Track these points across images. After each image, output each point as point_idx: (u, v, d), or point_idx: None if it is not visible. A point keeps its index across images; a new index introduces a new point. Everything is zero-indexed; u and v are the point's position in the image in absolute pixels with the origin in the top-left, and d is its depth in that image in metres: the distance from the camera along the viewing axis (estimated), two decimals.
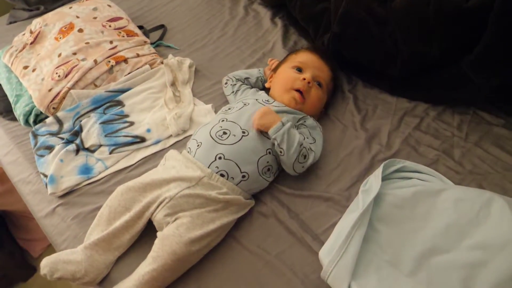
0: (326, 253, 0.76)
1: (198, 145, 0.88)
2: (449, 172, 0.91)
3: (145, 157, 1.01)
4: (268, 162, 0.87)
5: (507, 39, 0.82)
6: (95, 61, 1.11)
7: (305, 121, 0.95)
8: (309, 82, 0.96)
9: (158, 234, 0.79)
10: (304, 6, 1.18)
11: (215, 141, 0.87)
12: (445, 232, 0.77)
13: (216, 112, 1.08)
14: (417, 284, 0.74)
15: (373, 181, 0.85)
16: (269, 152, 0.88)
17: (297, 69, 1.01)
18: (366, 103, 1.08)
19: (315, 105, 0.99)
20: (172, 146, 1.03)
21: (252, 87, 1.09)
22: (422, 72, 0.99)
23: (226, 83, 1.10)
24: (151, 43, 1.28)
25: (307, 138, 0.92)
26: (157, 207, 0.80)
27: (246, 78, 1.10)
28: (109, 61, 1.13)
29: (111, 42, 1.17)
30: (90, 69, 1.11)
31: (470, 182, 0.89)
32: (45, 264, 0.78)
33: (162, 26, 1.36)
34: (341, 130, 1.03)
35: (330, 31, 1.08)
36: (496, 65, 0.86)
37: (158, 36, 1.33)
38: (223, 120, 0.91)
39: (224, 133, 0.88)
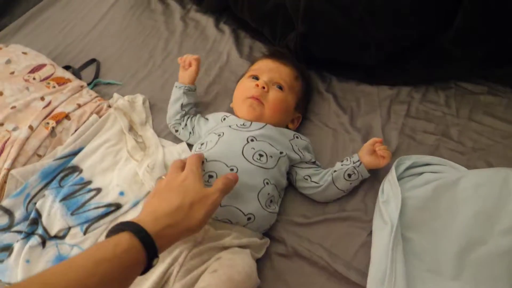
0: (376, 285, 0.70)
1: None
2: (454, 155, 0.88)
3: None
4: (269, 193, 0.78)
5: (485, 6, 0.78)
6: (30, 127, 0.91)
7: (297, 145, 0.86)
8: (263, 87, 0.87)
9: None
10: (253, 5, 1.06)
11: None
12: (475, 222, 0.75)
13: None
14: (465, 284, 0.72)
15: (390, 190, 0.80)
16: (267, 183, 0.78)
17: (253, 77, 0.92)
18: (348, 99, 1.01)
19: (277, 108, 0.88)
20: None
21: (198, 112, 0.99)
22: (398, 55, 0.93)
23: (176, 130, 0.97)
24: (88, 84, 1.09)
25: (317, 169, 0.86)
26: (167, 281, 0.68)
27: (186, 107, 0.97)
28: (48, 123, 0.94)
29: (42, 98, 0.97)
30: (27, 138, 0.91)
31: (477, 160, 0.87)
32: None
33: (93, 60, 1.16)
34: (331, 135, 0.95)
35: (292, 30, 0.98)
36: (479, 37, 0.82)
37: (91, 73, 1.14)
38: (203, 162, 0.79)
39: (210, 176, 0.76)
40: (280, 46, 1.03)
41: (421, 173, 0.85)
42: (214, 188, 0.64)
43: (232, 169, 0.77)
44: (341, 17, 0.90)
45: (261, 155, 0.80)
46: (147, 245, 0.52)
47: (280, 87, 0.90)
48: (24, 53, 1.06)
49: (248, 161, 0.78)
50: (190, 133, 0.95)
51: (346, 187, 0.82)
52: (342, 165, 0.82)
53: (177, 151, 0.96)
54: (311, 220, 0.83)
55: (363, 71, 1.00)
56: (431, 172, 0.84)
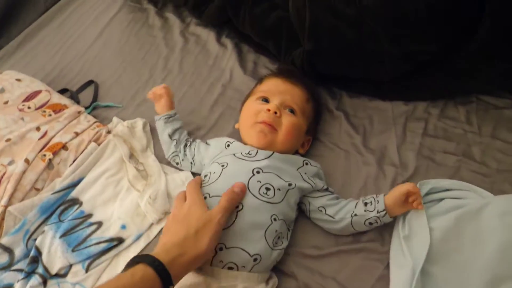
0: None
1: None
2: (476, 177, 0.81)
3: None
4: (276, 230, 0.72)
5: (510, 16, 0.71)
6: (27, 160, 0.87)
7: (306, 172, 0.80)
8: (275, 112, 0.81)
9: None
10: (255, 20, 1.00)
11: None
12: (502, 255, 0.69)
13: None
14: None
15: (415, 222, 0.74)
16: (274, 219, 0.72)
17: (263, 99, 0.85)
18: (360, 116, 0.94)
19: (291, 135, 0.82)
20: (158, 234, 0.85)
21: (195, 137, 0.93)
22: (415, 70, 0.86)
23: (177, 163, 0.91)
24: (86, 108, 1.04)
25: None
26: None
27: (174, 135, 0.91)
28: (45, 155, 0.89)
29: (37, 128, 0.93)
30: (24, 172, 0.87)
31: (503, 183, 0.80)
32: None
33: (91, 82, 1.12)
34: (344, 157, 0.89)
35: (298, 45, 0.92)
36: (504, 48, 0.75)
37: (90, 94, 1.09)
38: (206, 197, 0.74)
39: None
40: (286, 63, 0.96)
41: (441, 199, 0.79)
42: (218, 208, 0.68)
43: (237, 206, 0.72)
44: (350, 32, 0.84)
45: (268, 189, 0.74)
46: (161, 273, 0.57)
47: (292, 111, 0.84)
48: (18, 79, 1.02)
49: (254, 196, 0.73)
50: (191, 163, 0.89)
51: (364, 230, 0.76)
52: (365, 210, 0.74)
53: (180, 179, 0.91)
54: (323, 252, 0.78)
55: (376, 87, 0.93)
56: (452, 198, 0.78)
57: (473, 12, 0.73)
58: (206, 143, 0.90)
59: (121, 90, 1.10)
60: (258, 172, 0.76)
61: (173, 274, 0.58)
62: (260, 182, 0.75)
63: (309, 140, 0.90)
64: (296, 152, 0.88)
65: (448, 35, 0.76)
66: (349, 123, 0.93)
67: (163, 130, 0.91)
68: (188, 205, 0.70)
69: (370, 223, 0.74)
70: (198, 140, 0.91)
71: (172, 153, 0.90)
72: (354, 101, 0.97)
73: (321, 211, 0.77)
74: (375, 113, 0.94)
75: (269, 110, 0.81)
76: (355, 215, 0.74)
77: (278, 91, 0.85)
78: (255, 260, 0.69)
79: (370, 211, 0.73)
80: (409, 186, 0.71)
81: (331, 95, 0.98)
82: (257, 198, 0.73)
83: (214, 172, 0.78)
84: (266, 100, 0.85)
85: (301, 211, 0.81)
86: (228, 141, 0.86)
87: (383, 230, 0.78)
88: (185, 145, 0.90)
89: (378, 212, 0.73)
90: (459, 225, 0.73)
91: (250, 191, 0.73)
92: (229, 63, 1.09)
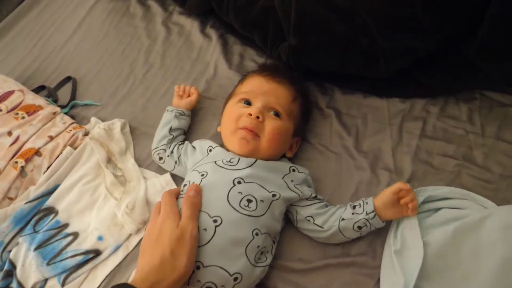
0: None
1: None
2: (477, 183, 0.75)
3: (109, 273, 0.78)
4: (259, 246, 0.67)
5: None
6: None
7: (293, 180, 0.74)
8: (258, 117, 0.74)
9: None
10: (239, 10, 0.91)
11: None
12: (502, 273, 0.64)
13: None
14: None
15: (407, 236, 0.68)
16: (256, 234, 0.67)
17: (245, 102, 0.79)
18: (352, 115, 0.87)
19: (275, 140, 0.76)
20: (137, 246, 0.81)
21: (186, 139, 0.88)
22: (414, 66, 0.78)
23: (161, 158, 0.85)
24: (63, 107, 0.98)
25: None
26: None
27: (174, 131, 0.87)
28: (16, 162, 0.85)
29: (9, 133, 0.88)
30: None
31: (507, 191, 0.74)
32: None
33: (69, 78, 1.05)
34: (334, 161, 0.83)
35: (286, 38, 0.84)
36: (508, 46, 0.67)
37: (69, 91, 1.03)
38: (177, 197, 0.69)
39: None
40: (273, 57, 0.89)
41: (439, 208, 0.73)
42: (184, 220, 0.65)
43: (215, 220, 0.66)
44: (341, 24, 0.75)
45: (249, 201, 0.69)
46: None
47: (277, 114, 0.77)
48: None
49: (234, 209, 0.67)
50: (175, 162, 0.83)
51: (355, 236, 0.71)
52: (353, 213, 0.69)
53: (160, 184, 0.86)
54: (311, 265, 0.73)
55: (370, 83, 0.86)
56: (451, 208, 0.72)
57: (475, 6, 0.64)
58: (193, 146, 0.84)
59: (100, 86, 1.03)
60: (239, 183, 0.70)
61: None
62: (241, 193, 0.69)
63: (297, 141, 0.84)
64: (283, 156, 0.82)
65: (448, 31, 0.67)
66: (341, 123, 0.86)
67: (168, 123, 0.87)
68: (161, 219, 0.66)
69: (359, 227, 0.68)
70: (186, 142, 0.86)
71: (162, 146, 0.85)
72: (347, 98, 0.89)
73: (309, 220, 0.72)
74: (370, 111, 0.86)
75: (250, 114, 0.75)
76: (343, 219, 0.69)
77: (261, 91, 0.78)
78: (235, 279, 0.64)
79: (358, 213, 0.68)
80: (400, 184, 0.66)
81: (322, 91, 0.91)
82: (238, 212, 0.67)
83: (193, 182, 0.72)
84: (248, 102, 0.79)
85: (288, 220, 0.76)
86: (210, 146, 0.80)
87: (374, 242, 0.73)
88: (176, 145, 0.85)
89: (366, 213, 0.68)
90: (457, 239, 0.68)
91: (230, 204, 0.68)
92: (214, 56, 1.01)
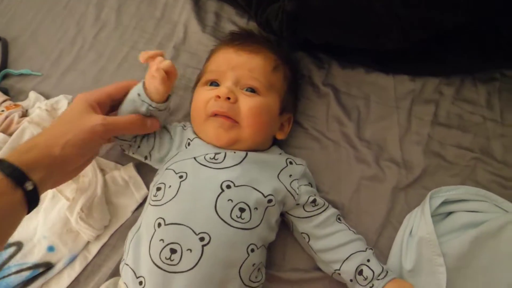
0: None
1: (141, 284, 0.54)
2: (495, 181, 0.66)
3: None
4: (254, 264, 0.56)
5: None
6: None
7: (291, 175, 0.62)
8: (228, 98, 0.60)
9: None
10: None
11: (165, 271, 0.53)
12: None
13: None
14: None
15: (423, 253, 0.59)
16: (252, 250, 0.56)
17: (211, 83, 0.64)
18: (353, 95, 0.74)
19: (258, 123, 0.62)
20: (97, 256, 0.67)
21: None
22: (430, 41, 0.64)
23: (124, 151, 0.69)
24: None
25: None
26: None
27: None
28: None
29: None
30: None
31: None
32: None
33: None
34: (332, 151, 0.71)
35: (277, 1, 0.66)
36: None
37: None
38: (160, 224, 0.55)
39: (173, 251, 0.53)
40: (260, 22, 0.71)
41: (452, 212, 0.63)
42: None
43: (202, 238, 0.53)
44: None
45: (242, 210, 0.55)
46: (4, 169, 0.47)
47: (253, 90, 0.62)
48: None
49: (225, 223, 0.54)
50: (145, 157, 0.67)
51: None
52: (351, 280, 0.58)
53: (122, 178, 0.71)
54: (306, 276, 0.64)
55: (376, 56, 0.71)
56: (467, 211, 0.63)
57: None
58: (170, 136, 0.66)
59: (39, 51, 0.82)
60: (228, 187, 0.56)
61: (26, 168, 0.48)
62: (232, 201, 0.56)
63: (289, 119, 0.69)
64: (274, 141, 0.68)
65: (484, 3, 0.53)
66: (339, 104, 0.72)
67: (132, 101, 0.61)
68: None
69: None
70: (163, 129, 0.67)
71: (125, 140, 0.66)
72: (347, 73, 0.75)
73: (304, 237, 0.61)
74: (373, 90, 0.73)
75: (219, 97, 0.60)
76: (339, 274, 0.59)
77: (230, 67, 0.62)
78: None
79: (361, 285, 0.57)
80: None
81: (317, 64, 0.75)
82: (230, 225, 0.54)
83: (170, 186, 0.57)
84: (215, 83, 0.63)
85: (280, 221, 0.64)
86: (188, 139, 0.64)
87: (378, 253, 0.63)
88: (145, 138, 0.66)
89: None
90: (475, 249, 0.60)
91: (219, 216, 0.54)
92: (183, 15, 0.82)
